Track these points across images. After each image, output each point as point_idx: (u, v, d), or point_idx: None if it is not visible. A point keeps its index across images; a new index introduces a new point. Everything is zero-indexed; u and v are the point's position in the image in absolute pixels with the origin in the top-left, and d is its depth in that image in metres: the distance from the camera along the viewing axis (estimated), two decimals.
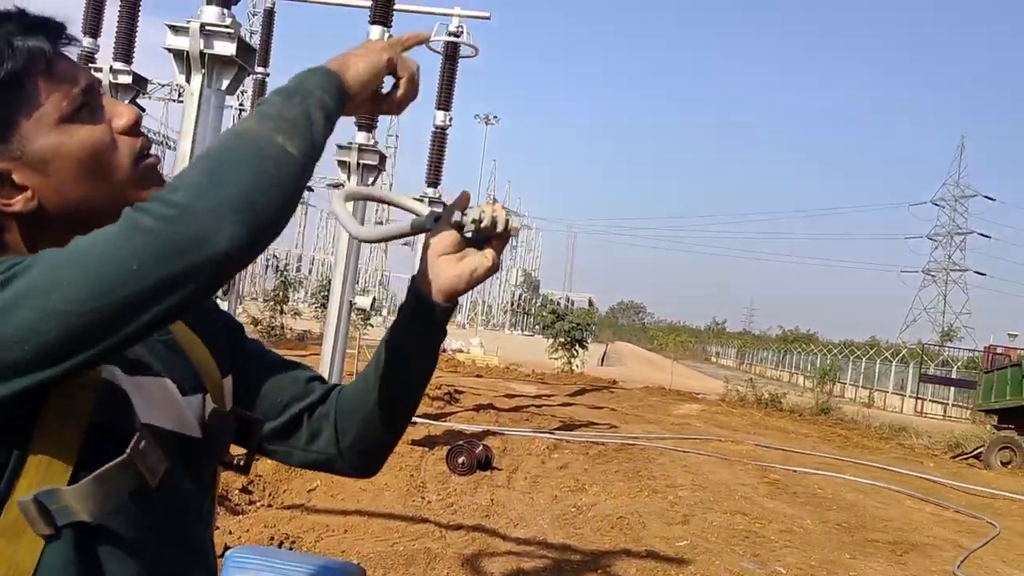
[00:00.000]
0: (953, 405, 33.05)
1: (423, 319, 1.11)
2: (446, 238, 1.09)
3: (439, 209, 1.16)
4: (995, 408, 17.05)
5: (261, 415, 1.18)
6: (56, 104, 0.93)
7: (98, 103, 0.98)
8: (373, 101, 1.06)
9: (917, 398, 34.91)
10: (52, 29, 0.94)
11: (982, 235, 76.31)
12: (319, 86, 0.93)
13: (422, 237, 1.26)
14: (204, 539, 1.09)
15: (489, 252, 1.10)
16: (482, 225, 1.08)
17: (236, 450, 1.15)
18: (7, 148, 0.91)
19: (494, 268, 1.11)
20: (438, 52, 14.40)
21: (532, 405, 15.49)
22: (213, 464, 1.09)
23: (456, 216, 1.09)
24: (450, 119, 14.48)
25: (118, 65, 10.54)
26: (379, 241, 1.29)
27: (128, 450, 0.88)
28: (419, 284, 1.11)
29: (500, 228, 1.10)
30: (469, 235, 1.10)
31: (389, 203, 1.38)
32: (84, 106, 0.95)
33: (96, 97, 0.98)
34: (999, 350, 24.40)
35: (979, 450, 15.83)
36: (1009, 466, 14.81)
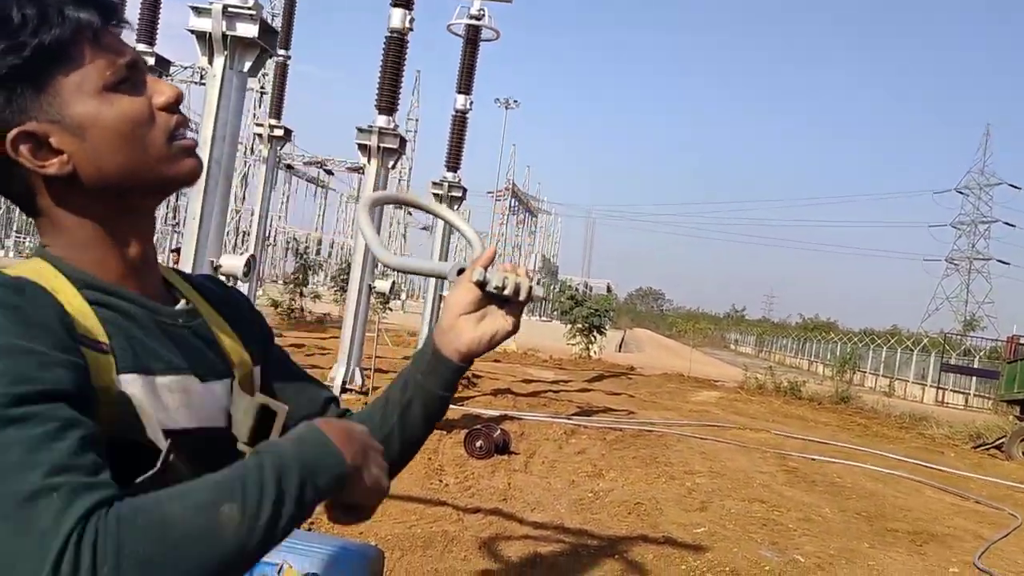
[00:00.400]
0: (975, 395, 32.76)
1: (437, 376, 1.13)
2: (467, 295, 1.12)
3: (460, 261, 1.20)
4: (1017, 399, 16.90)
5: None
6: (100, 72, 0.93)
7: (141, 79, 0.98)
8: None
9: (938, 388, 34.63)
10: (104, 6, 0.95)
11: (1007, 224, 75.58)
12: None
13: (443, 212, 1.28)
14: None
15: (510, 317, 1.13)
16: (505, 292, 1.11)
17: None
18: (46, 111, 0.91)
19: (513, 331, 1.13)
20: (459, 35, 14.35)
21: (550, 390, 15.51)
22: (237, 452, 1.09)
23: (479, 275, 1.11)
24: (470, 103, 14.45)
25: (141, 47, 10.60)
26: (400, 270, 1.32)
27: (159, 463, 0.87)
28: (438, 339, 1.13)
29: (523, 296, 1.12)
30: (491, 292, 1.12)
31: (416, 206, 1.40)
32: (127, 79, 0.96)
33: (140, 73, 0.98)
34: (1022, 340, 24.06)
35: (1001, 441, 15.68)
36: None
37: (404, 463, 1.21)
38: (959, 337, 43.43)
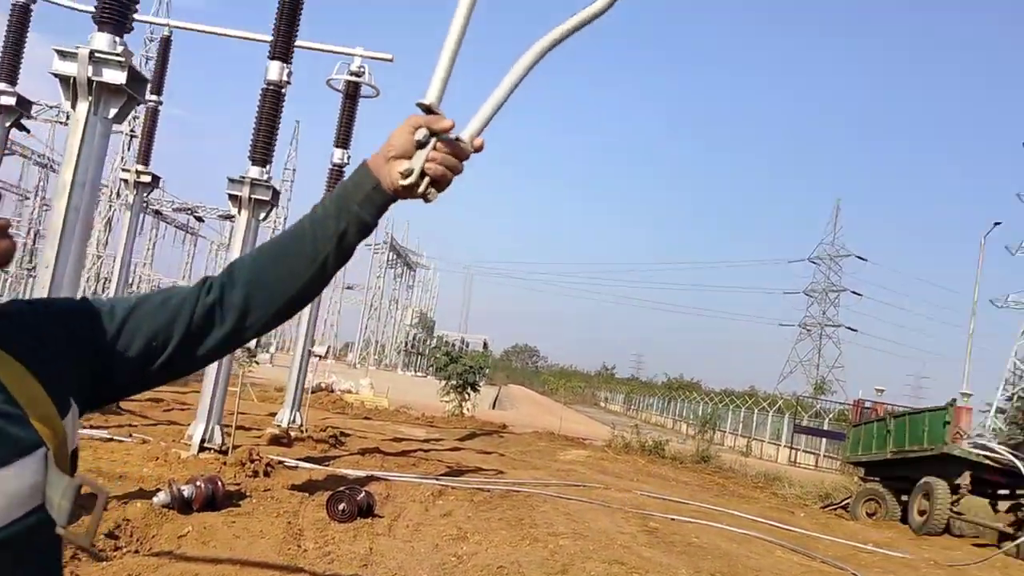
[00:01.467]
0: (824, 456, 34.56)
1: (373, 205, 1.26)
2: (405, 141, 1.23)
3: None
4: (862, 460, 17.88)
5: (161, 353, 1.22)
6: None
7: None
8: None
9: (791, 448, 36.33)
10: None
11: (854, 293, 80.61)
12: None
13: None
14: None
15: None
16: (410, 179, 1.24)
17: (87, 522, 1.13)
18: None
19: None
20: (339, 91, 14.38)
21: (420, 449, 15.36)
22: (54, 536, 1.06)
23: (422, 136, 1.22)
24: (348, 157, 14.44)
25: (2, 86, 10.10)
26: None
27: None
28: (377, 173, 1.25)
29: (420, 191, 1.26)
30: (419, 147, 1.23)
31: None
32: None
33: None
34: (867, 404, 25.66)
35: (846, 501, 16.58)
36: (874, 517, 15.58)
37: (333, 273, 1.31)
38: (811, 399, 45.84)
